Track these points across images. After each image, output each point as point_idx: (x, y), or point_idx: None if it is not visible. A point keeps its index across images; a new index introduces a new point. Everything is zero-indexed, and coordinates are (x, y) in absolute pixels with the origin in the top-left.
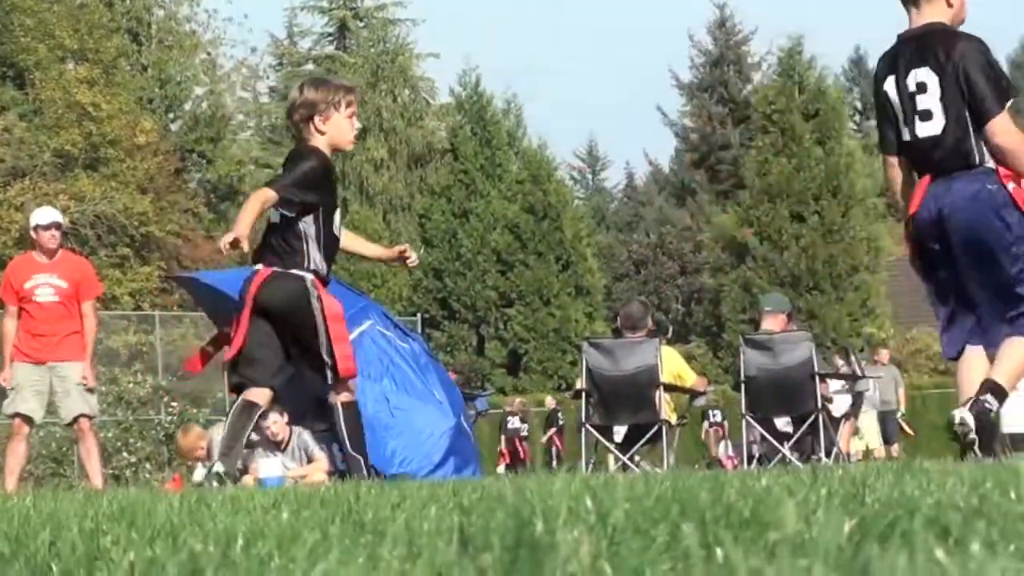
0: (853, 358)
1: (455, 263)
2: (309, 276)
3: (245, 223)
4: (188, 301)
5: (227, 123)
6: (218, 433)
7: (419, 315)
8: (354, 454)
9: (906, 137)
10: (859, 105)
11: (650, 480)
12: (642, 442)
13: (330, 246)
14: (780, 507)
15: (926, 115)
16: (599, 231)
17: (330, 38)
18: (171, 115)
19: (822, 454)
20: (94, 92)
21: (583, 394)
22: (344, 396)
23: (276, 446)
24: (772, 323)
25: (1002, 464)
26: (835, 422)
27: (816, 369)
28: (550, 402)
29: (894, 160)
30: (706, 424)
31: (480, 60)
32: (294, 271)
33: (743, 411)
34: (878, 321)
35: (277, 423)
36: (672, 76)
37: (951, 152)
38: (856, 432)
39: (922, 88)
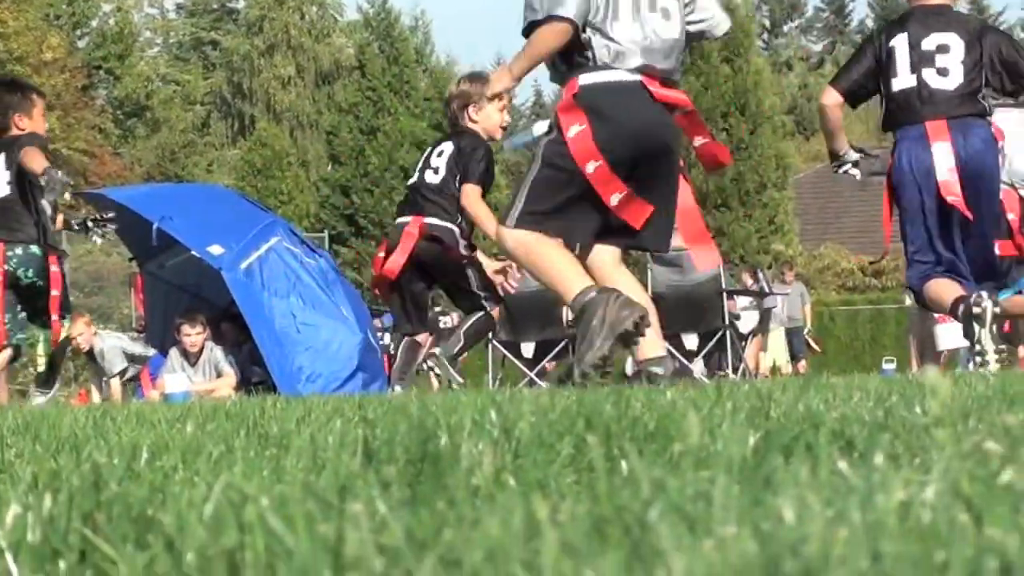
0: (761, 275)
1: (362, 180)
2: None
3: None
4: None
5: (134, 40)
6: (109, 341)
7: (326, 232)
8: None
9: (908, 85)
10: (767, 23)
11: (555, 394)
12: (549, 357)
13: None
14: (685, 420)
15: (943, 72)
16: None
17: None
18: (78, 32)
19: (729, 370)
20: (0, 8)
21: None
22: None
23: (189, 357)
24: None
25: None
26: (742, 339)
27: (724, 286)
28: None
29: (841, 101)
30: None
31: None
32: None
33: None
34: (786, 238)
35: (196, 335)
36: None
37: (962, 103)
38: (763, 348)
39: (943, 49)
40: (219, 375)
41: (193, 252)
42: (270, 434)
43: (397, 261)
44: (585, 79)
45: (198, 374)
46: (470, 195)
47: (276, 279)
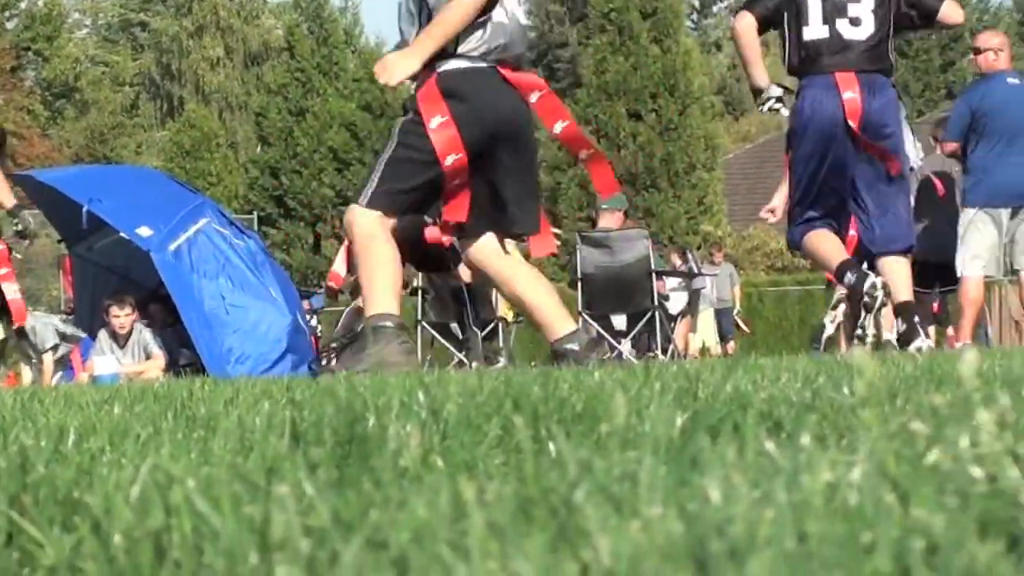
0: (690, 256)
1: (292, 161)
2: None
3: None
4: (23, 199)
5: (63, 21)
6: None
7: (255, 213)
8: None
9: (820, 35)
10: (696, 3)
11: (484, 375)
12: (480, 337)
13: None
14: (612, 401)
15: (856, 21)
16: None
17: None
18: (7, 13)
19: (658, 351)
20: None
21: (420, 292)
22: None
23: (118, 339)
24: (609, 221)
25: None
26: (671, 319)
27: (653, 267)
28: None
29: (754, 23)
30: None
31: None
32: None
33: (579, 308)
34: (715, 219)
35: (124, 317)
36: None
37: (875, 56)
38: (693, 329)
39: None
40: (148, 357)
41: (122, 234)
42: (198, 416)
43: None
44: (443, 67)
45: (127, 356)
46: None
47: (205, 260)
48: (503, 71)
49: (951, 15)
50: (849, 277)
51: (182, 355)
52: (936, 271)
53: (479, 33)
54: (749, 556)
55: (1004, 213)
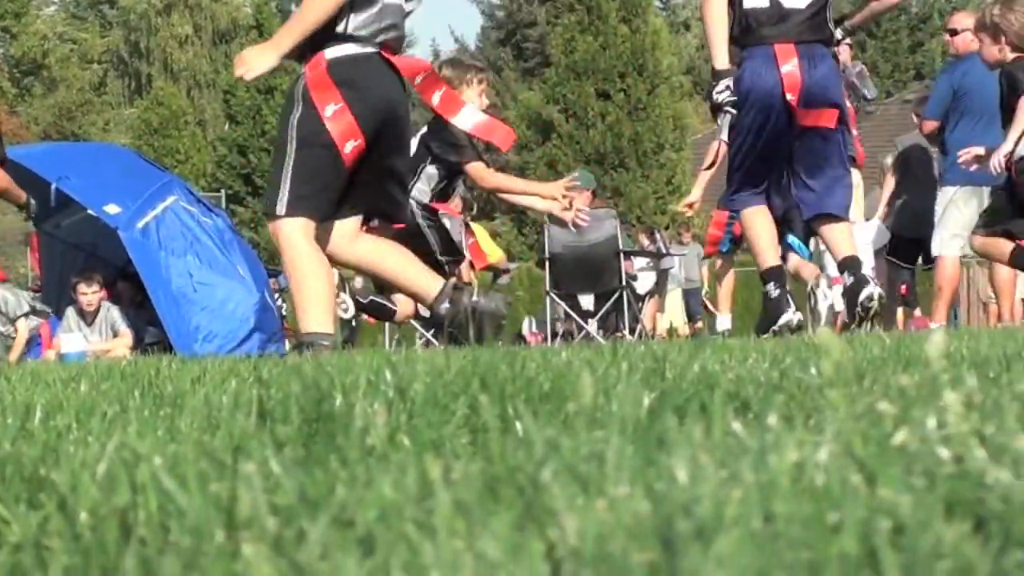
0: (658, 236)
1: (259, 139)
2: None
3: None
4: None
5: None
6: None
7: (223, 191)
8: None
9: (760, 5)
10: None
11: (451, 354)
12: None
13: None
14: (579, 381)
15: None
16: None
17: None
18: None
19: (626, 331)
20: None
21: None
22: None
23: (86, 317)
24: (577, 200)
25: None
26: (639, 299)
27: (621, 246)
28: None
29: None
30: None
31: None
32: None
33: (547, 288)
34: (683, 199)
35: (92, 294)
36: None
37: (814, 25)
38: (660, 309)
39: None
40: (115, 335)
41: (90, 211)
42: (165, 394)
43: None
44: (332, 53)
45: (94, 334)
46: (478, 172)
47: (173, 238)
48: (386, 55)
49: None
50: (847, 278)
51: (148, 333)
52: (912, 247)
53: (369, 14)
54: (716, 536)
55: (985, 191)
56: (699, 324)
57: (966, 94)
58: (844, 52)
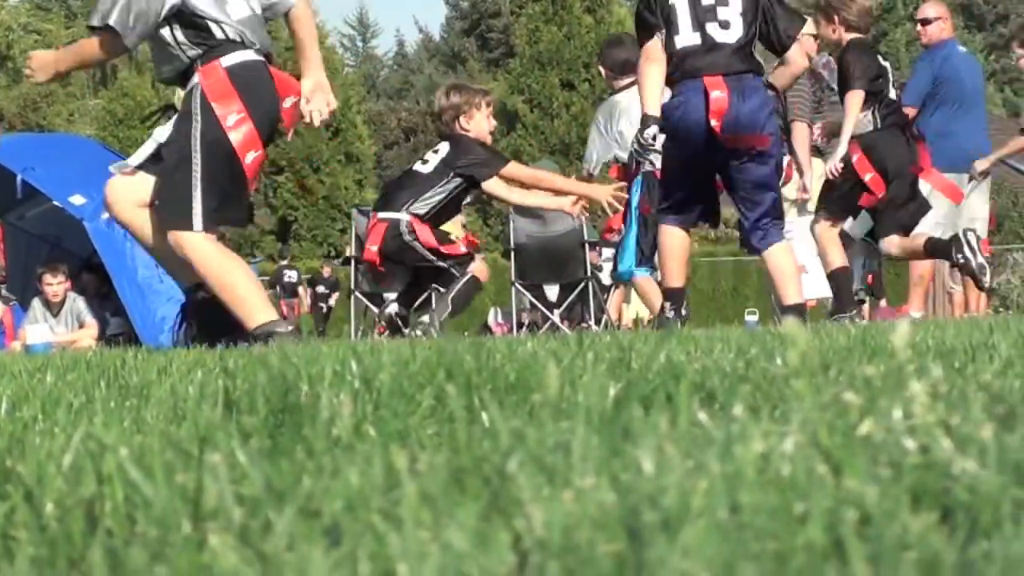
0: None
1: None
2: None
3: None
4: None
5: None
6: None
7: None
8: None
9: (691, 43)
10: None
11: (416, 345)
12: (412, 308)
13: None
14: (545, 372)
15: (725, 24)
16: (369, 99)
17: None
18: None
19: (591, 322)
20: None
21: (353, 261)
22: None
23: (51, 308)
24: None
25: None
26: (604, 290)
27: (586, 237)
28: (327, 271)
29: (660, 57)
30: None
31: None
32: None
33: (512, 278)
34: None
35: (57, 285)
36: None
37: (743, 56)
38: (626, 300)
39: (722, 2)
40: (81, 326)
41: (55, 202)
42: (130, 385)
43: (371, 251)
44: (227, 60)
45: (60, 325)
46: (497, 189)
47: None
48: (269, 65)
49: (796, 60)
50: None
51: (111, 324)
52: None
53: (251, 25)
54: (682, 527)
55: (964, 178)
56: None
57: (945, 81)
58: (809, 43)
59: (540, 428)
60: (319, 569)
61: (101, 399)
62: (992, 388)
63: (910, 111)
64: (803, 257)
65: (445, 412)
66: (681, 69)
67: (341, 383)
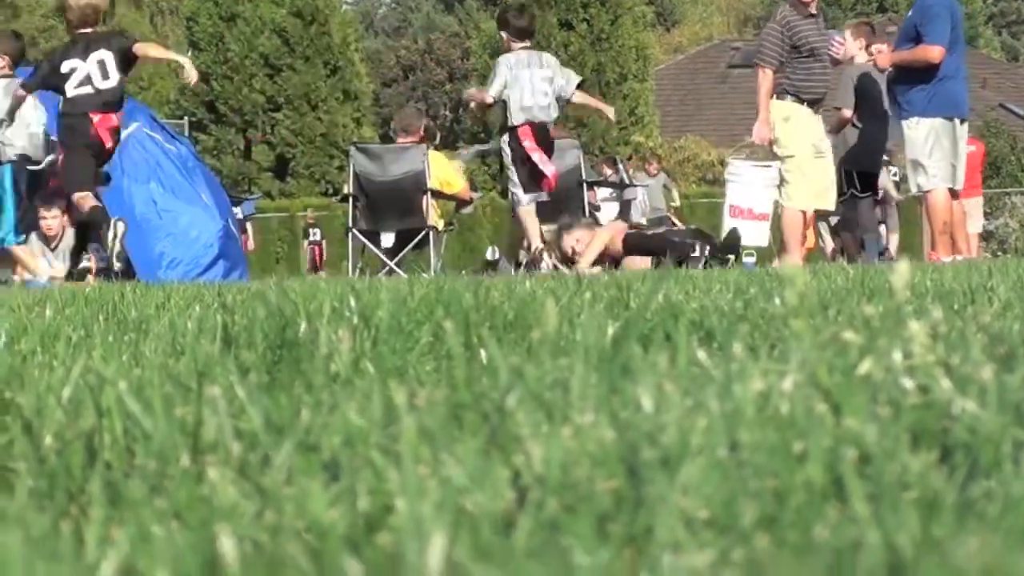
0: (620, 166)
1: (223, 67)
2: None
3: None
4: None
5: None
6: None
7: (186, 118)
8: None
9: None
10: None
11: (415, 282)
12: (409, 247)
13: None
14: (543, 309)
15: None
16: (367, 36)
17: None
18: None
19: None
20: None
21: (350, 199)
22: None
23: (49, 243)
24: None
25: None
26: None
27: (584, 177)
28: (310, 216)
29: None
30: (305, 243)
31: None
32: None
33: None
34: (646, 130)
35: (54, 220)
36: None
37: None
38: None
39: None
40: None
41: (52, 137)
42: (129, 319)
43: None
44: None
45: (58, 260)
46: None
47: (136, 165)
48: None
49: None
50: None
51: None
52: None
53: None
54: (681, 464)
55: (957, 123)
56: None
57: (955, 26)
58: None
59: (539, 365)
60: (318, 503)
61: (100, 333)
62: (991, 329)
63: (942, 51)
64: (763, 205)
65: (443, 349)
66: None
67: (339, 319)
